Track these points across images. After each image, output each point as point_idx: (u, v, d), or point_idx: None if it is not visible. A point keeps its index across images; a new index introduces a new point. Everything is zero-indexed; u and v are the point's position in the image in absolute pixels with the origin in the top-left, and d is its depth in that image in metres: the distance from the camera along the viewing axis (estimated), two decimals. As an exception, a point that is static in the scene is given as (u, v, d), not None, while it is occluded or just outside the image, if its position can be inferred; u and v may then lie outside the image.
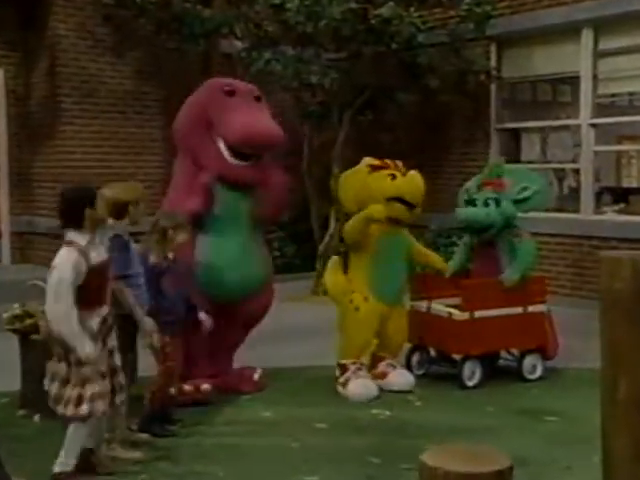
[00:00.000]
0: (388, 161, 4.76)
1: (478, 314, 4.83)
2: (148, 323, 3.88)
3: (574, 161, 9.53)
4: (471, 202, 5.07)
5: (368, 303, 4.67)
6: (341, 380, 4.68)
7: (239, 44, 8.45)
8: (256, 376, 4.75)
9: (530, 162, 8.99)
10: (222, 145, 4.40)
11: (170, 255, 4.06)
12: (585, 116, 7.90)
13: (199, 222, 4.38)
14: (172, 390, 4.14)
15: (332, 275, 4.81)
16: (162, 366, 3.98)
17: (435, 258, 5.06)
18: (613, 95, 8.07)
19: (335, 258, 4.94)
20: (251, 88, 4.64)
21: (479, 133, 8.76)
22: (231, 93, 4.46)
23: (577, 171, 9.55)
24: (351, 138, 8.70)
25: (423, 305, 5.05)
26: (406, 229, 4.87)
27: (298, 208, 9.19)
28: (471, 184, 5.23)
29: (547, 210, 8.44)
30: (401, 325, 4.82)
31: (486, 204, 4.98)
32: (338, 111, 8.47)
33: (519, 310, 4.97)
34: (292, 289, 7.86)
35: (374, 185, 4.63)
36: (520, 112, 8.89)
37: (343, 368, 4.71)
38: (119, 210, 3.94)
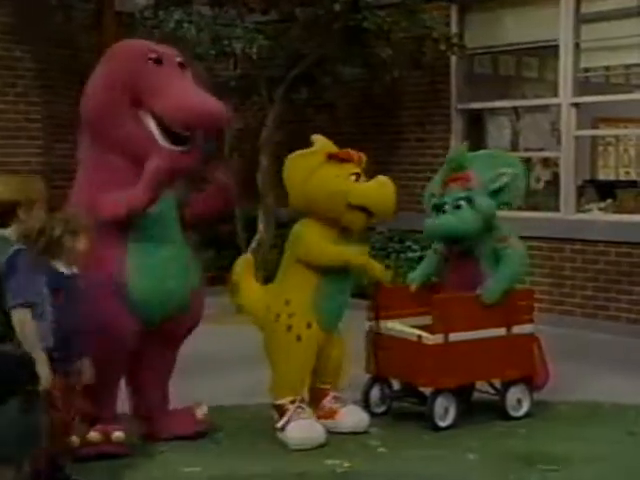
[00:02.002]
0: (351, 151, 4.60)
1: (453, 337, 4.75)
2: (43, 366, 3.54)
3: (543, 149, 9.65)
4: (439, 208, 4.98)
5: (311, 330, 4.55)
6: (280, 424, 4.54)
7: (142, 0, 8.22)
8: (199, 413, 4.52)
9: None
10: (152, 125, 4.20)
11: (70, 269, 3.76)
12: (565, 94, 7.94)
13: (124, 225, 4.20)
14: (75, 440, 3.97)
15: (243, 282, 4.69)
16: (48, 416, 3.67)
17: (374, 264, 4.79)
18: (587, 70, 8.12)
19: (245, 258, 4.80)
20: (174, 53, 4.41)
21: (437, 115, 8.77)
22: (158, 61, 4.24)
23: (544, 161, 9.72)
24: (283, 120, 8.62)
25: (383, 326, 4.95)
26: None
27: None
28: (434, 185, 5.15)
29: (519, 208, 8.49)
30: (342, 351, 4.76)
31: (456, 206, 4.90)
32: (266, 87, 8.42)
33: (502, 332, 4.92)
34: (210, 306, 7.67)
35: (333, 183, 4.48)
36: (486, 89, 8.92)
37: (280, 410, 4.57)
38: (1, 214, 3.63)
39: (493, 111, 9.14)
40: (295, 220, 4.72)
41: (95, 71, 4.41)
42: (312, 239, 4.50)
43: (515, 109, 9.41)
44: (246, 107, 9.47)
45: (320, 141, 4.63)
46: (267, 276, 8.44)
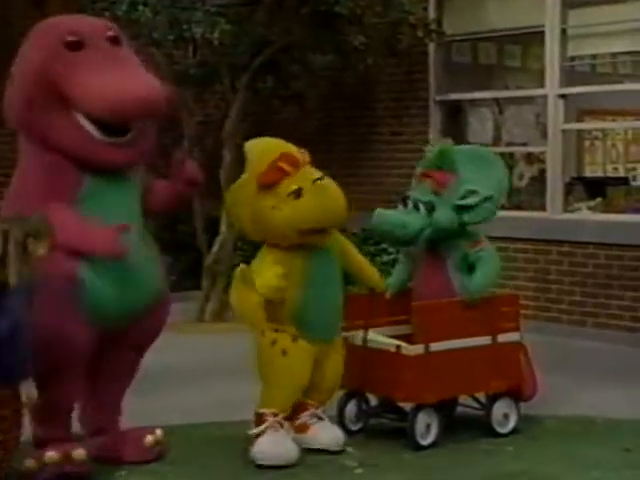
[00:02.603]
0: (282, 164, 4.35)
1: (435, 347, 4.71)
2: None
3: (526, 144, 9.65)
4: (403, 200, 4.98)
5: (298, 344, 4.50)
6: (254, 431, 4.50)
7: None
8: (149, 439, 4.42)
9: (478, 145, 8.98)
10: (84, 120, 4.11)
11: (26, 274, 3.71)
12: (552, 85, 7.95)
13: None
14: (31, 463, 3.91)
15: (241, 292, 4.54)
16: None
17: (370, 272, 4.92)
18: (572, 59, 8.13)
19: (242, 268, 4.65)
20: (102, 27, 4.26)
21: (414, 107, 8.77)
22: (77, 45, 4.09)
23: (528, 156, 9.71)
24: (247, 112, 8.57)
25: (359, 336, 4.91)
26: (335, 233, 4.69)
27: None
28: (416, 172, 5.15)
29: (502, 207, 8.49)
30: (339, 365, 4.74)
31: (416, 207, 4.87)
32: (229, 75, 8.36)
33: (487, 340, 4.90)
34: (171, 314, 7.66)
35: (273, 218, 4.37)
36: (466, 79, 8.94)
37: (259, 418, 4.53)
38: None
39: (474, 103, 9.15)
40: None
41: (18, 55, 4.24)
42: (259, 268, 4.42)
43: (497, 101, 9.42)
44: (207, 97, 9.42)
45: (253, 154, 4.42)
46: (230, 282, 8.54)
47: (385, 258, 8.12)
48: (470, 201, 4.88)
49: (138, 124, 4.18)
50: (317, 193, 4.36)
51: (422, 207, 4.86)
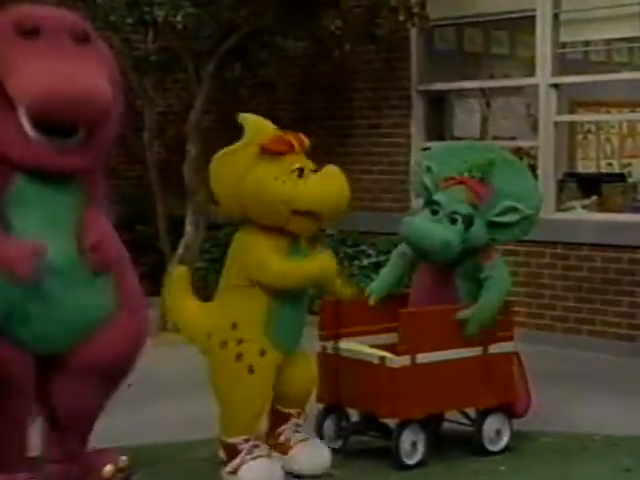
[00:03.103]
0: (290, 138, 4.45)
1: (422, 358, 4.73)
2: None
3: (515, 137, 9.70)
4: (431, 206, 4.88)
5: (265, 358, 4.47)
6: (230, 467, 4.47)
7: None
8: (108, 469, 4.38)
9: (465, 139, 9.04)
10: (22, 114, 4.00)
11: None
12: (544, 73, 8.00)
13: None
14: None
15: (179, 301, 4.59)
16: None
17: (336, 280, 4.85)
18: (564, 45, 8.19)
19: (180, 271, 4.68)
20: (68, 21, 4.20)
21: (395, 97, 8.80)
22: (33, 33, 4.04)
23: (517, 151, 9.74)
24: (213, 102, 8.60)
25: (338, 346, 4.92)
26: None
27: (136, 204, 8.96)
28: (433, 161, 5.04)
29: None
30: (309, 370, 4.71)
31: (452, 219, 4.82)
32: (193, 62, 8.35)
33: (478, 351, 4.92)
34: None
35: (272, 188, 4.35)
36: (451, 68, 8.98)
37: (231, 450, 4.48)
38: None
39: (459, 93, 9.19)
40: (230, 221, 4.62)
41: None
42: (265, 256, 4.38)
43: (484, 91, 9.47)
44: (169, 86, 9.42)
45: (251, 124, 4.45)
46: (195, 288, 8.51)
47: (365, 261, 8.17)
48: (509, 219, 4.89)
49: (88, 126, 4.05)
50: (324, 178, 4.39)
51: (460, 220, 4.80)
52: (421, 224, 4.85)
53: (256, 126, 4.45)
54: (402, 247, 5.12)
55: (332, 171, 4.45)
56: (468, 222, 4.82)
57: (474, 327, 4.83)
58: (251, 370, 4.42)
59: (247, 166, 4.36)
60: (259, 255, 4.39)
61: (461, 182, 4.89)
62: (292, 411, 4.66)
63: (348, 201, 4.49)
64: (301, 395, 4.68)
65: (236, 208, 4.44)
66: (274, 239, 4.41)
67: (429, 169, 5.04)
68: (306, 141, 4.50)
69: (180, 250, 8.21)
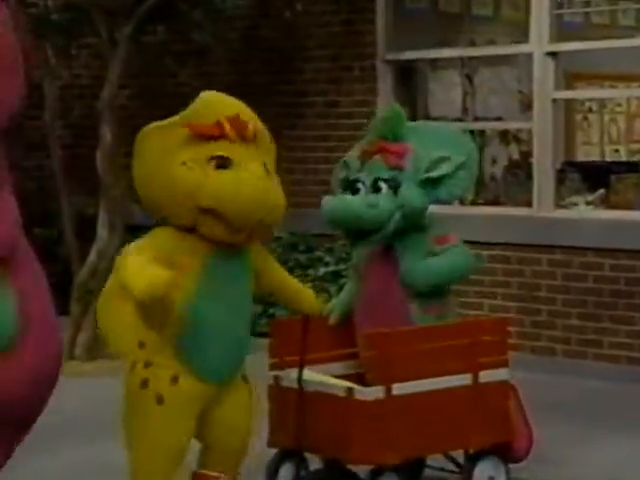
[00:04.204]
0: (233, 122, 4.42)
1: (398, 389, 4.74)
2: None
3: (502, 118, 9.76)
4: (351, 185, 5.08)
5: (179, 387, 4.42)
6: None
7: None
8: None
9: (440, 119, 9.11)
10: None
11: None
12: (540, 39, 8.04)
13: None
14: None
15: (113, 304, 4.45)
16: None
17: (304, 292, 4.90)
18: (560, 5, 8.27)
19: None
20: None
21: (357, 68, 8.84)
22: None
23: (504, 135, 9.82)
24: (131, 73, 8.63)
25: (294, 377, 4.91)
26: (255, 243, 4.72)
27: (34, 200, 8.96)
28: (353, 153, 5.26)
29: (473, 203, 8.60)
30: (244, 414, 4.65)
31: (375, 188, 4.98)
32: (107, 23, 8.32)
33: (466, 379, 4.95)
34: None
35: (176, 173, 4.38)
36: (426, 32, 9.04)
37: None
38: None
39: (435, 64, 9.25)
40: (154, 222, 4.61)
41: None
42: (131, 260, 4.32)
43: (464, 61, 9.54)
44: (76, 53, 9.37)
45: (203, 100, 4.49)
46: None
47: (321, 270, 8.21)
48: (443, 170, 5.00)
49: None
50: (245, 176, 4.38)
51: (384, 186, 4.94)
52: (341, 198, 5.02)
53: (200, 106, 4.47)
54: (355, 259, 5.21)
55: (257, 165, 4.44)
56: (394, 186, 4.96)
57: (418, 280, 4.93)
58: (160, 401, 4.38)
59: (168, 151, 4.40)
60: (127, 258, 4.33)
61: (375, 151, 5.04)
62: (216, 475, 4.58)
63: (273, 210, 4.48)
64: (232, 449, 4.62)
65: (148, 202, 4.51)
66: (190, 243, 4.43)
67: (345, 163, 5.21)
68: (251, 130, 4.46)
69: (91, 257, 8.19)
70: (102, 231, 8.17)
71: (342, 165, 5.22)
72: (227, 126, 4.40)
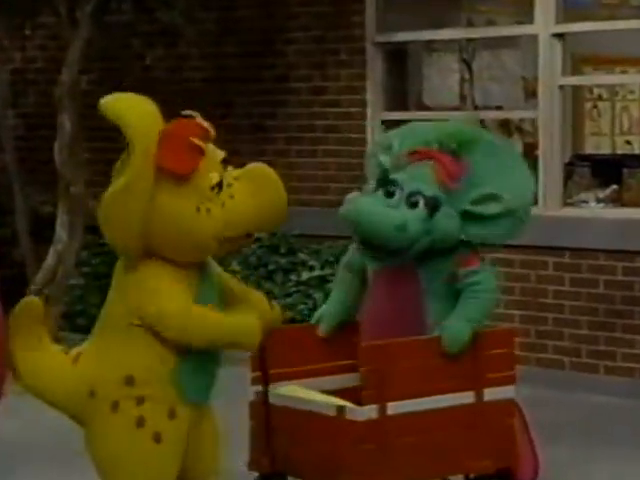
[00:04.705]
0: (195, 130, 4.29)
1: (395, 408, 4.74)
2: None
3: (501, 107, 9.77)
4: (385, 184, 4.97)
5: (178, 421, 4.43)
6: None
7: None
8: None
9: (434, 108, 9.12)
10: None
11: None
12: (546, 20, 8.05)
13: None
14: None
15: (28, 349, 4.43)
16: None
17: (255, 297, 4.73)
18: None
19: (28, 302, 4.50)
20: None
21: (344, 51, 8.86)
22: None
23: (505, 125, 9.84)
24: (93, 56, 8.66)
25: (277, 393, 4.96)
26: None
27: None
28: (394, 137, 5.15)
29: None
30: (212, 440, 4.67)
31: (411, 204, 4.89)
32: (66, 1, 8.32)
33: (468, 397, 4.95)
34: None
35: (195, 221, 4.29)
36: (420, 13, 8.99)
37: None
38: None
39: (429, 47, 9.28)
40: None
41: None
42: (172, 306, 4.32)
43: (461, 43, 9.55)
44: (30, 34, 9.39)
45: (133, 126, 4.21)
46: (69, 313, 8.48)
47: (304, 275, 8.21)
48: (489, 210, 4.92)
49: None
50: (255, 183, 4.35)
51: (422, 203, 4.86)
52: (370, 204, 4.90)
53: (141, 128, 4.24)
54: (348, 256, 5.19)
55: (260, 172, 4.41)
56: (432, 206, 4.87)
57: (459, 337, 4.87)
58: (158, 438, 4.38)
59: (149, 197, 4.25)
60: (160, 301, 4.32)
61: (428, 156, 4.96)
62: None
63: (285, 204, 4.46)
64: (208, 470, 4.63)
65: (138, 246, 4.37)
66: (179, 271, 4.37)
67: (389, 147, 5.11)
68: (211, 131, 4.36)
69: (49, 261, 8.20)
70: (61, 232, 8.18)
71: (384, 148, 5.10)
72: (200, 143, 4.27)
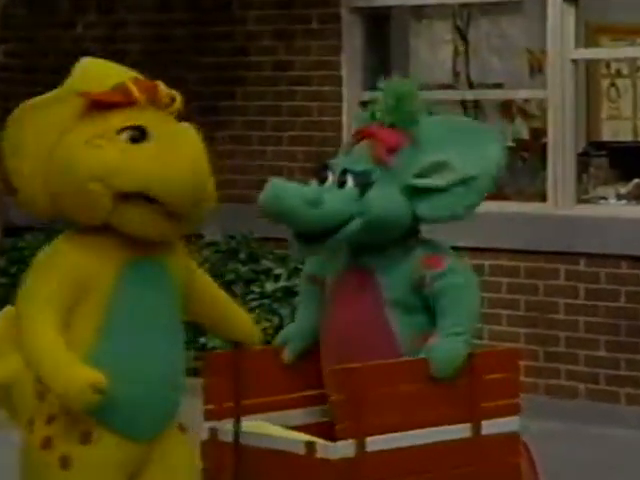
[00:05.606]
0: (138, 83, 4.47)
1: (375, 444, 4.74)
2: None
3: (502, 85, 9.82)
4: (321, 172, 5.08)
5: (93, 447, 4.42)
6: None
7: None
8: None
9: (427, 88, 9.10)
10: None
11: None
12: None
13: None
14: None
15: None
16: None
17: (239, 316, 4.88)
18: None
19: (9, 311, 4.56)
20: None
21: (316, 18, 8.95)
22: None
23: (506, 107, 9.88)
24: (14, 23, 8.70)
25: (237, 429, 4.92)
26: (179, 245, 4.71)
27: None
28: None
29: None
30: (183, 477, 4.68)
31: (341, 182, 4.98)
32: None
33: (464, 431, 4.97)
34: None
35: (80, 154, 4.38)
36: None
37: None
38: None
39: (417, 13, 9.35)
40: (39, 223, 4.57)
41: None
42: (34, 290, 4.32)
43: (455, 9, 9.63)
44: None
45: (85, 69, 4.49)
46: None
47: (269, 286, 8.26)
48: (436, 182, 4.97)
49: None
50: (168, 139, 4.40)
51: (351, 181, 4.93)
52: (280, 182, 4.99)
53: (89, 72, 4.51)
54: (309, 265, 5.25)
55: (180, 130, 4.47)
56: (364, 183, 4.93)
57: (450, 360, 4.87)
58: (64, 464, 4.39)
59: (63, 128, 4.40)
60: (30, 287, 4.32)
61: (367, 134, 5.04)
62: None
63: (206, 180, 4.45)
64: None
65: (44, 198, 4.46)
66: (100, 249, 4.42)
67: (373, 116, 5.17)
68: (164, 92, 4.49)
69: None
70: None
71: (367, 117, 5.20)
72: (134, 88, 4.44)
